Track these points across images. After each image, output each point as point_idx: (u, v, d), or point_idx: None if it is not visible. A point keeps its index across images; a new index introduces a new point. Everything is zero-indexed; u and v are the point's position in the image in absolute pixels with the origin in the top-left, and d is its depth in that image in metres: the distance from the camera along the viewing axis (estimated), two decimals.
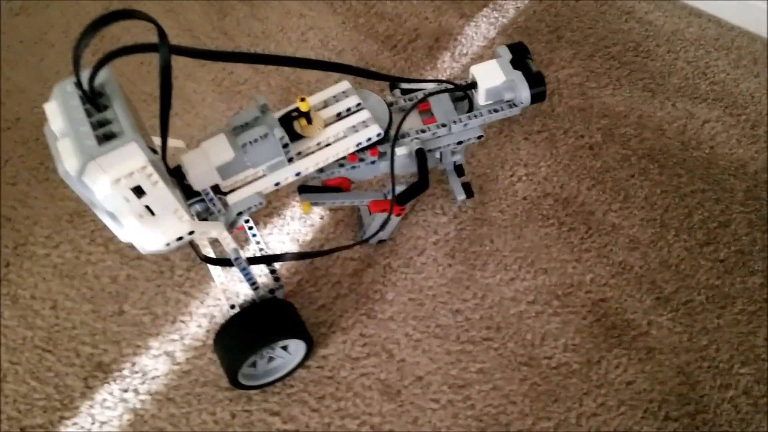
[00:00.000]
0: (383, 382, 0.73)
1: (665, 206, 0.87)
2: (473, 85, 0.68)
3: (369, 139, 0.65)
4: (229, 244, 0.65)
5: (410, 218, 0.85)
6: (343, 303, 0.79)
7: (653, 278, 0.81)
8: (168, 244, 0.59)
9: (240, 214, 0.63)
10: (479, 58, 1.00)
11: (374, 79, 0.66)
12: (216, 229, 0.63)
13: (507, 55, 0.68)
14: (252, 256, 0.78)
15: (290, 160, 0.63)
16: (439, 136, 0.69)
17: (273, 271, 0.74)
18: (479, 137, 0.70)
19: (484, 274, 0.81)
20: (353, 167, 0.68)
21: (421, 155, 0.66)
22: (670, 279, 0.81)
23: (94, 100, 0.52)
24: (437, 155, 0.73)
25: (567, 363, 0.74)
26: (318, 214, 0.86)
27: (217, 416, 0.71)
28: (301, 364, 0.74)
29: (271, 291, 0.71)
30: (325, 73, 0.97)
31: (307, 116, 0.63)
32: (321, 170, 0.67)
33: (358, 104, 0.66)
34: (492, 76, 0.67)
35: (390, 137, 0.67)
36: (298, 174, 0.64)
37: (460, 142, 0.70)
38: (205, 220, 0.63)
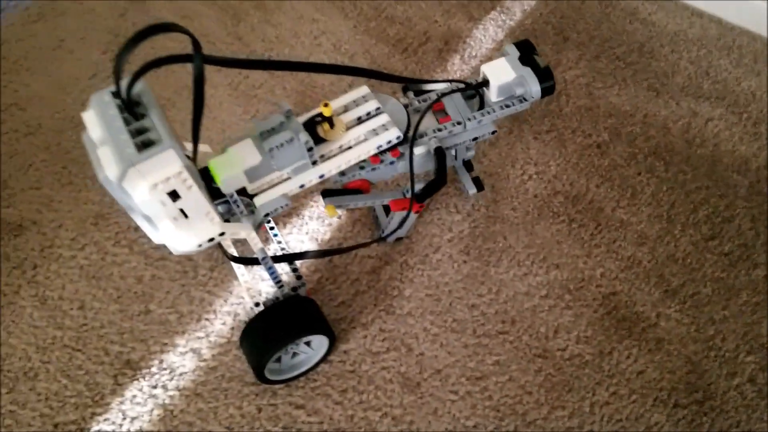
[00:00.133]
0: (403, 375, 0.76)
1: (671, 202, 0.89)
2: (485, 83, 0.71)
3: (389, 142, 0.67)
4: (256, 244, 0.68)
5: (425, 216, 0.88)
6: (363, 299, 0.81)
7: (661, 272, 0.84)
8: (200, 245, 0.61)
9: (267, 215, 0.66)
10: (488, 60, 1.02)
11: (397, 83, 0.69)
12: (244, 230, 0.65)
13: (515, 53, 0.71)
14: (275, 255, 0.81)
15: (314, 163, 0.65)
16: (455, 134, 0.72)
17: (295, 270, 0.76)
18: (493, 132, 0.72)
19: (498, 270, 0.83)
20: (373, 169, 0.70)
21: (440, 153, 0.69)
22: (677, 272, 0.84)
23: (132, 108, 0.54)
24: (453, 152, 0.76)
25: (580, 354, 0.77)
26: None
27: (243, 410, 0.74)
28: (323, 359, 0.76)
29: (294, 289, 0.73)
30: (339, 76, 1.00)
31: (329, 121, 0.65)
32: (342, 174, 0.69)
33: (378, 108, 0.69)
34: (503, 73, 0.70)
35: (408, 138, 0.69)
36: (321, 176, 0.66)
37: (475, 139, 0.73)
38: (227, 221, 0.66)
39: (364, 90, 0.70)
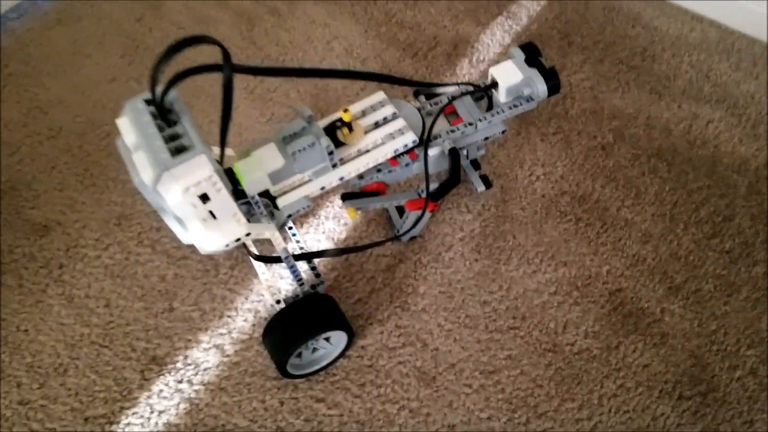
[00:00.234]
0: (419, 369, 0.79)
1: (674, 202, 0.93)
2: (494, 85, 0.74)
3: (405, 146, 0.70)
4: (279, 243, 0.71)
5: (437, 216, 0.91)
6: (378, 297, 0.84)
7: (665, 269, 0.87)
8: (227, 245, 0.64)
9: (290, 216, 0.69)
10: (495, 64, 1.05)
11: (414, 87, 0.72)
12: (269, 230, 0.68)
13: (521, 55, 0.74)
14: (296, 253, 0.84)
15: (334, 165, 0.68)
16: (467, 135, 0.75)
17: (314, 268, 0.79)
18: (503, 131, 0.76)
19: (509, 268, 0.87)
20: (390, 171, 0.73)
21: (454, 153, 0.72)
22: (680, 269, 0.87)
23: (165, 115, 0.57)
24: (464, 152, 0.79)
25: (588, 349, 0.81)
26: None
27: (266, 403, 0.77)
28: (342, 354, 0.79)
29: (313, 287, 0.76)
30: (351, 79, 1.03)
31: (349, 125, 0.69)
32: (361, 177, 0.72)
33: (394, 113, 0.72)
34: (511, 75, 0.73)
35: (423, 140, 0.72)
36: (341, 178, 0.69)
37: (486, 138, 0.76)
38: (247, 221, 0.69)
39: (380, 96, 0.73)
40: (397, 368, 0.79)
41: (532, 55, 0.74)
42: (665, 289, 0.85)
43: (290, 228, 0.86)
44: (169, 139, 0.56)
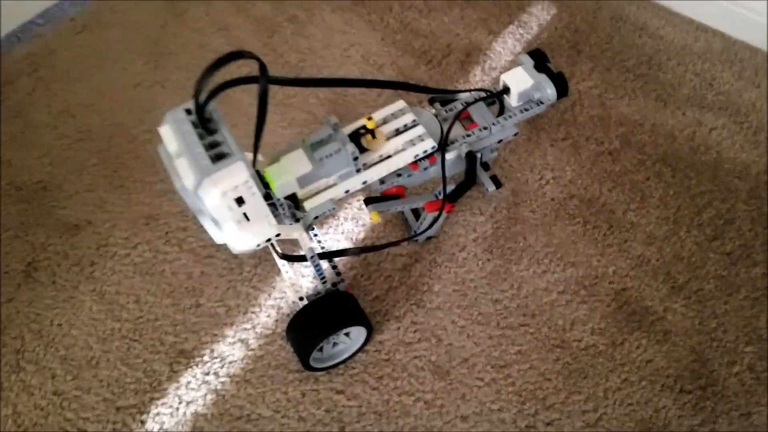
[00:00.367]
0: (434, 363, 0.83)
1: (677, 205, 0.97)
2: (506, 90, 0.78)
3: (425, 151, 0.75)
4: (306, 243, 0.75)
5: (451, 218, 0.95)
6: (395, 294, 0.89)
7: (668, 270, 0.91)
8: (258, 245, 0.68)
9: (316, 217, 0.73)
10: (507, 71, 1.09)
11: (439, 95, 0.76)
12: (297, 231, 0.73)
13: (529, 62, 0.78)
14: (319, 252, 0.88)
15: (358, 170, 0.72)
16: (481, 138, 0.79)
17: (334, 267, 0.84)
18: (516, 134, 0.80)
19: (519, 268, 0.91)
20: (409, 175, 0.77)
21: (471, 157, 0.76)
22: (682, 270, 0.91)
23: (205, 124, 0.61)
24: (479, 155, 0.83)
25: (594, 345, 0.85)
26: (368, 215, 0.95)
27: (289, 395, 0.81)
28: (360, 349, 0.83)
29: (334, 284, 0.81)
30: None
31: (372, 132, 0.73)
32: (382, 181, 0.76)
33: (414, 120, 0.76)
34: (522, 80, 0.77)
35: (441, 145, 0.76)
36: (364, 182, 0.73)
37: (500, 141, 0.80)
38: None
39: (401, 104, 0.77)
40: (412, 362, 0.83)
41: (540, 61, 0.78)
42: (668, 288, 0.89)
43: (311, 228, 0.90)
44: (209, 146, 0.60)
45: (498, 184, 0.86)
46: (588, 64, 1.11)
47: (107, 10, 1.19)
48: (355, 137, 0.74)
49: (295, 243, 0.92)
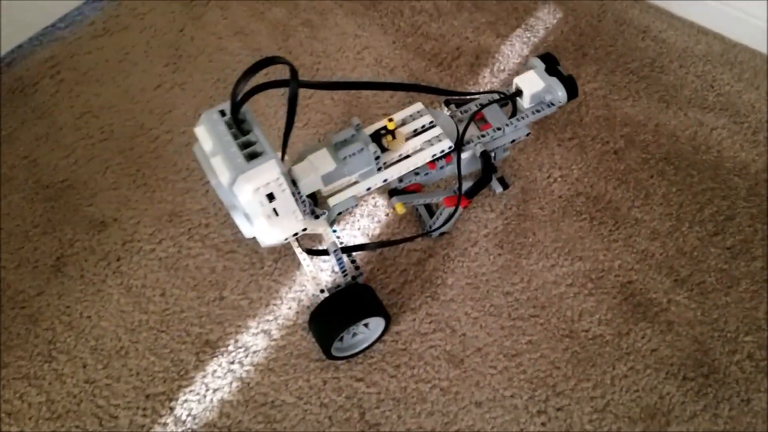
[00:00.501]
0: (449, 352, 0.87)
1: (680, 202, 1.01)
2: (518, 93, 0.82)
3: (442, 151, 0.78)
4: (330, 238, 0.79)
5: (464, 215, 0.99)
6: (411, 287, 0.92)
7: (671, 263, 0.95)
8: (285, 239, 0.72)
9: (339, 213, 0.77)
10: (515, 73, 1.13)
11: (449, 97, 0.80)
12: (321, 226, 0.76)
13: (541, 65, 0.82)
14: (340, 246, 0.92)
15: (379, 169, 0.76)
16: (495, 138, 0.83)
17: (353, 261, 0.87)
18: (528, 134, 0.84)
19: (529, 262, 0.95)
20: (426, 174, 0.81)
21: (485, 156, 0.80)
22: (685, 264, 0.95)
23: (240, 125, 0.65)
24: (492, 154, 0.87)
25: (601, 335, 0.89)
26: (383, 211, 0.99)
27: (311, 382, 0.85)
28: (379, 339, 0.87)
29: (353, 278, 0.84)
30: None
31: (392, 133, 0.76)
32: (401, 180, 0.80)
33: (431, 122, 0.80)
34: (534, 83, 0.81)
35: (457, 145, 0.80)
36: (385, 180, 0.77)
37: (513, 141, 0.84)
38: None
39: (418, 106, 0.81)
40: (428, 351, 0.87)
41: (551, 64, 0.82)
42: (672, 281, 0.93)
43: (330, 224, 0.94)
44: (243, 146, 0.64)
45: (505, 185, 0.90)
46: (593, 66, 1.15)
47: (126, 14, 1.22)
48: (376, 137, 0.77)
49: (305, 238, 0.96)
